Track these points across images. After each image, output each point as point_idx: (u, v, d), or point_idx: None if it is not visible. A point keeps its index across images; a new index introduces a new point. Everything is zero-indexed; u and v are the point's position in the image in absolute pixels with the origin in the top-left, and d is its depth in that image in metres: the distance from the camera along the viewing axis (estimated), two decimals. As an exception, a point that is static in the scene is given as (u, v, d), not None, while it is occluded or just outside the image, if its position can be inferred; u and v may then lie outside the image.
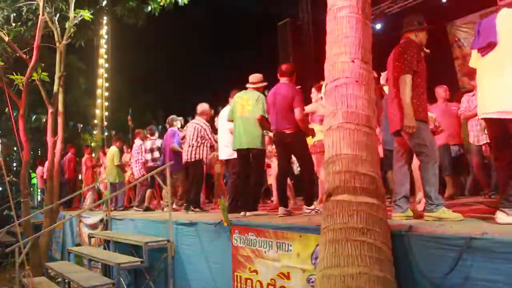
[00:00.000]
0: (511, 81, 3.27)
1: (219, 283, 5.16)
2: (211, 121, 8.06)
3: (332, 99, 3.39)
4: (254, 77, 6.08)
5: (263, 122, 5.82)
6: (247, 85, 6.10)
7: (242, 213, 5.67)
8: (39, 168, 14.30)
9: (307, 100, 6.67)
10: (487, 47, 3.43)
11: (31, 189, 14.14)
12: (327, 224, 3.13)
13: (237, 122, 5.98)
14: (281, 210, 5.36)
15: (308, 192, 5.51)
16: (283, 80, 5.63)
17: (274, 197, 7.92)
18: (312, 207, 5.33)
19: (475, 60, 3.63)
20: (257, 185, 5.91)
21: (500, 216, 3.28)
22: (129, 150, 11.30)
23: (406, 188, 4.08)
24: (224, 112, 6.95)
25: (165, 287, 6.03)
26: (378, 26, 13.97)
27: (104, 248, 7.61)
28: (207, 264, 5.39)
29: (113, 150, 10.79)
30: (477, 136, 6.48)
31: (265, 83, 6.11)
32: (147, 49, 21.71)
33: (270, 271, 4.38)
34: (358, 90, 3.32)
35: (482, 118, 3.58)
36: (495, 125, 3.47)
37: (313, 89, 6.52)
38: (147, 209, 9.26)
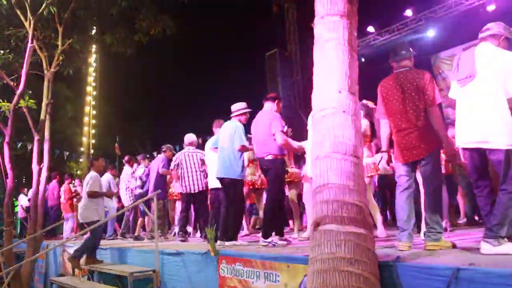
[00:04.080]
0: (489, 112, 3.36)
1: (205, 315, 5.07)
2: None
3: (319, 129, 3.42)
4: (234, 107, 6.10)
5: (245, 150, 5.87)
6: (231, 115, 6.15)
7: (219, 242, 5.57)
8: (21, 196, 14.07)
9: (298, 127, 6.71)
10: (466, 79, 3.54)
11: (14, 218, 13.85)
12: (315, 254, 3.11)
13: (219, 151, 6.03)
14: (276, 239, 5.28)
15: (266, 224, 5.38)
16: (265, 106, 5.72)
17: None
18: (269, 239, 5.21)
19: (454, 91, 3.74)
20: (235, 215, 5.81)
21: (484, 247, 3.30)
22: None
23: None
24: (209, 142, 6.97)
25: (150, 319, 5.91)
26: (363, 58, 14.24)
27: (88, 279, 7.43)
28: (193, 295, 5.30)
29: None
30: None
31: (245, 111, 6.05)
32: (135, 77, 21.80)
33: (257, 302, 4.32)
34: (345, 120, 3.35)
35: (462, 148, 3.64)
36: (475, 154, 3.54)
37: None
38: (137, 238, 9.13)
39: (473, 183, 3.67)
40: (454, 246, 3.83)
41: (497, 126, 3.32)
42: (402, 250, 3.82)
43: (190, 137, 7.74)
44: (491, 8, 12.32)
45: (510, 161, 3.29)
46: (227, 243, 5.51)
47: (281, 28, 17.54)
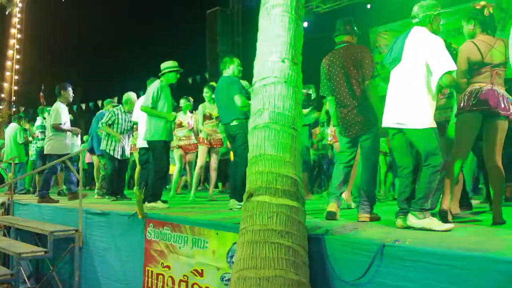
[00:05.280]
0: (408, 94, 3.50)
1: (129, 277, 4.96)
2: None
3: (260, 98, 3.33)
4: (162, 65, 5.88)
5: (147, 112, 5.68)
6: None
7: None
8: None
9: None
10: (393, 62, 3.66)
11: None
12: (246, 224, 3.07)
13: None
14: (232, 202, 5.22)
15: (238, 188, 5.23)
16: (224, 72, 5.58)
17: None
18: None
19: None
20: (155, 176, 5.68)
21: (411, 219, 3.44)
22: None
23: None
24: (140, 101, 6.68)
25: (70, 279, 5.72)
26: (305, 24, 14.16)
27: (4, 235, 7.04)
28: (117, 257, 5.16)
29: (15, 127, 9.88)
30: None
31: (164, 71, 5.81)
32: (66, 21, 20.39)
33: (183, 267, 4.29)
34: (286, 91, 3.28)
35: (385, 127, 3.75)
36: (397, 135, 3.69)
37: None
38: (60, 193, 8.77)
39: (396, 162, 3.84)
40: (378, 218, 4.06)
41: (413, 108, 3.46)
42: (330, 211, 4.08)
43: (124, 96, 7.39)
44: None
45: (429, 139, 3.44)
46: (148, 205, 5.35)
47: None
